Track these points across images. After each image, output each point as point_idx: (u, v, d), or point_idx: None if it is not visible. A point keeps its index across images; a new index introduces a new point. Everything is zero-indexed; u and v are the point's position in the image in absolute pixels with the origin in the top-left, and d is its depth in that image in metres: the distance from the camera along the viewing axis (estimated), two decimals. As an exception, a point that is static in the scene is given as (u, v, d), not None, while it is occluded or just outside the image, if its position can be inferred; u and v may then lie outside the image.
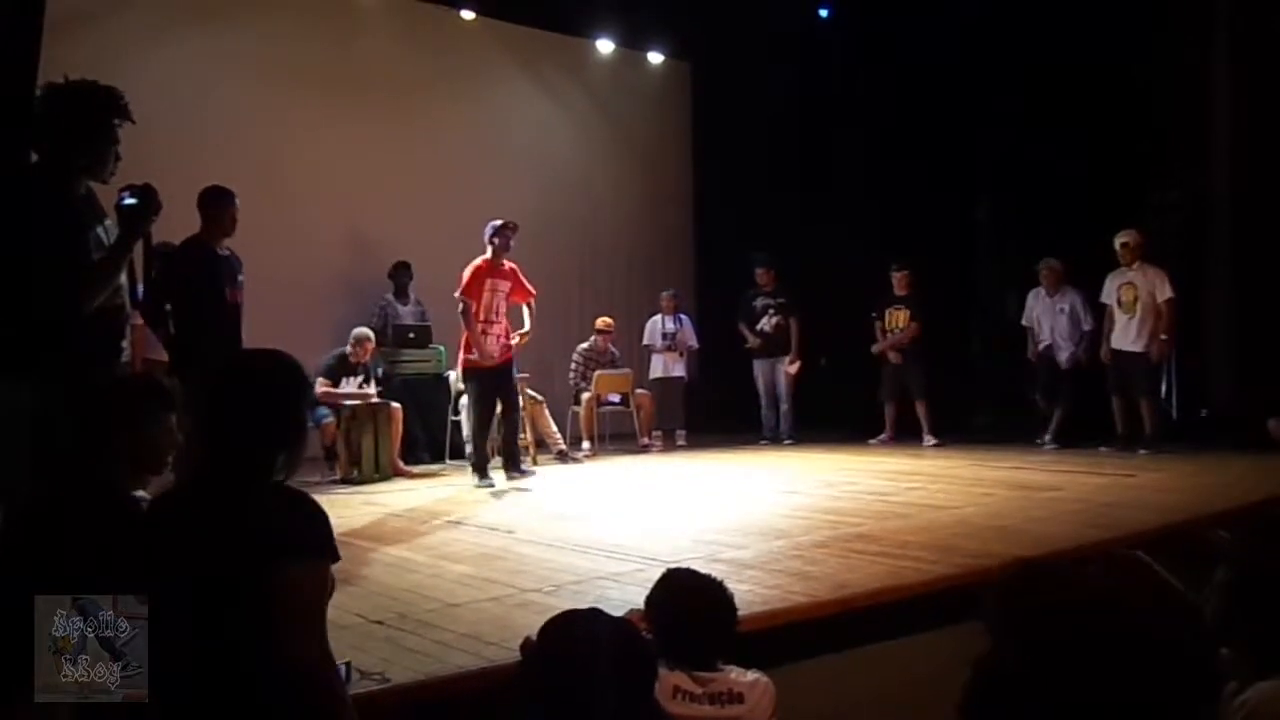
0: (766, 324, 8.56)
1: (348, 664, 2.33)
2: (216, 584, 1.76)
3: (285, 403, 1.97)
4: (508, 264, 6.42)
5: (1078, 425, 7.45)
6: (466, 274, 6.30)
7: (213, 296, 4.67)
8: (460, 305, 6.30)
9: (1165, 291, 6.94)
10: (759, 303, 8.62)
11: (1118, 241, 7.07)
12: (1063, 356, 7.49)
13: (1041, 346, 7.59)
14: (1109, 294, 7.17)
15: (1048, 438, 7.45)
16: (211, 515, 1.84)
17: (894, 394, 8.31)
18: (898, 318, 8.29)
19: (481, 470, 6.25)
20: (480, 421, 6.32)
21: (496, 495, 5.97)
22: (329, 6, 8.43)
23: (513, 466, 6.44)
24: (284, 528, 1.81)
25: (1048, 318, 7.59)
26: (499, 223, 6.38)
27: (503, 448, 6.55)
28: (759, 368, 8.67)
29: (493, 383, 6.30)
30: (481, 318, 6.25)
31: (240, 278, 4.98)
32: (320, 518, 1.86)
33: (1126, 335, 7.05)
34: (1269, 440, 6.24)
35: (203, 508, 1.87)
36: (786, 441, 8.41)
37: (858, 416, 8.82)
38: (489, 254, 6.35)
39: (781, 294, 8.58)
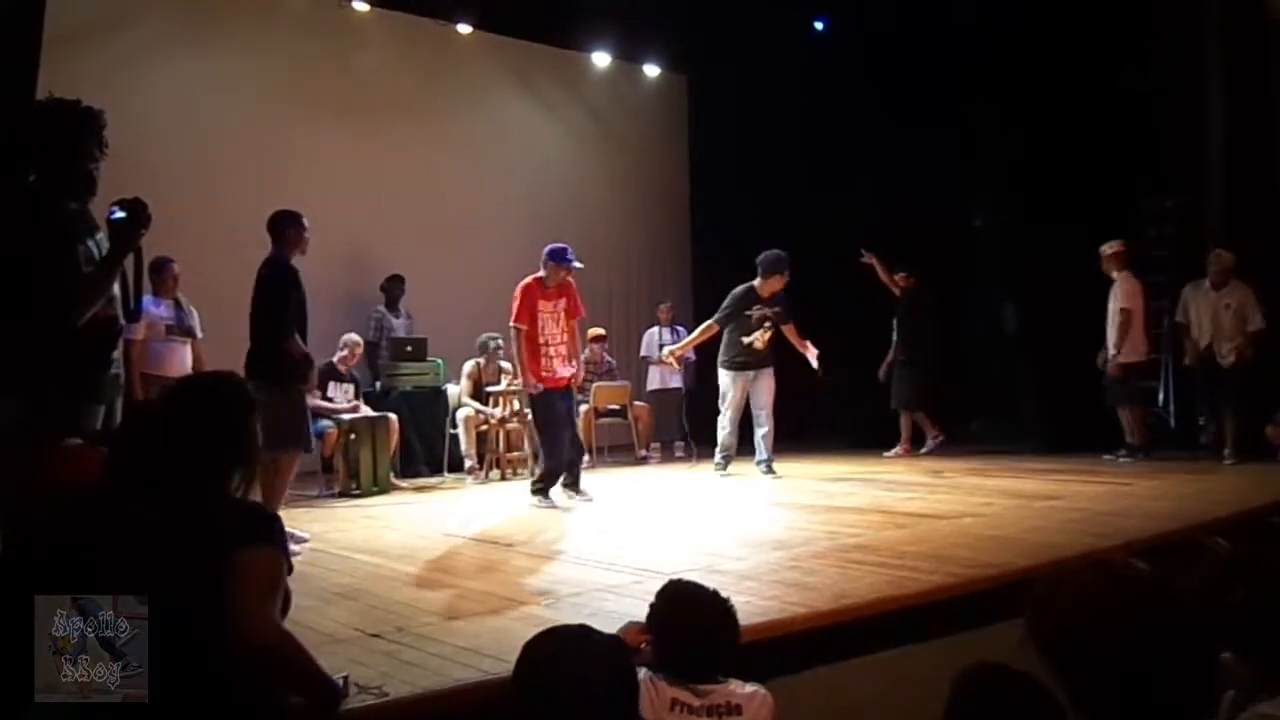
0: (759, 339, 6.94)
1: (345, 678, 2.33)
2: (169, 583, 1.81)
3: (230, 421, 2.07)
4: (568, 280, 6.03)
5: (1078, 434, 7.45)
6: (516, 296, 5.93)
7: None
8: (512, 332, 5.99)
9: (1119, 302, 6.97)
10: (755, 312, 6.94)
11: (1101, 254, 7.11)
12: (1225, 358, 6.73)
13: (1203, 346, 6.84)
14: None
15: (1227, 451, 6.61)
16: (164, 522, 1.91)
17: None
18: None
19: (545, 491, 5.89)
20: (553, 440, 5.90)
21: (497, 509, 5.96)
22: (327, 23, 8.46)
23: (576, 487, 6.07)
24: (234, 525, 1.91)
25: (1208, 314, 6.81)
26: (556, 248, 5.98)
27: (568, 468, 6.06)
28: (739, 381, 6.99)
29: (562, 401, 5.94)
30: (540, 340, 5.88)
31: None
32: (269, 518, 1.97)
33: (1111, 343, 7.09)
34: (1267, 446, 6.26)
35: (158, 515, 1.94)
36: (767, 474, 6.93)
37: (858, 426, 8.82)
38: (540, 274, 5.97)
39: (777, 302, 7.04)
